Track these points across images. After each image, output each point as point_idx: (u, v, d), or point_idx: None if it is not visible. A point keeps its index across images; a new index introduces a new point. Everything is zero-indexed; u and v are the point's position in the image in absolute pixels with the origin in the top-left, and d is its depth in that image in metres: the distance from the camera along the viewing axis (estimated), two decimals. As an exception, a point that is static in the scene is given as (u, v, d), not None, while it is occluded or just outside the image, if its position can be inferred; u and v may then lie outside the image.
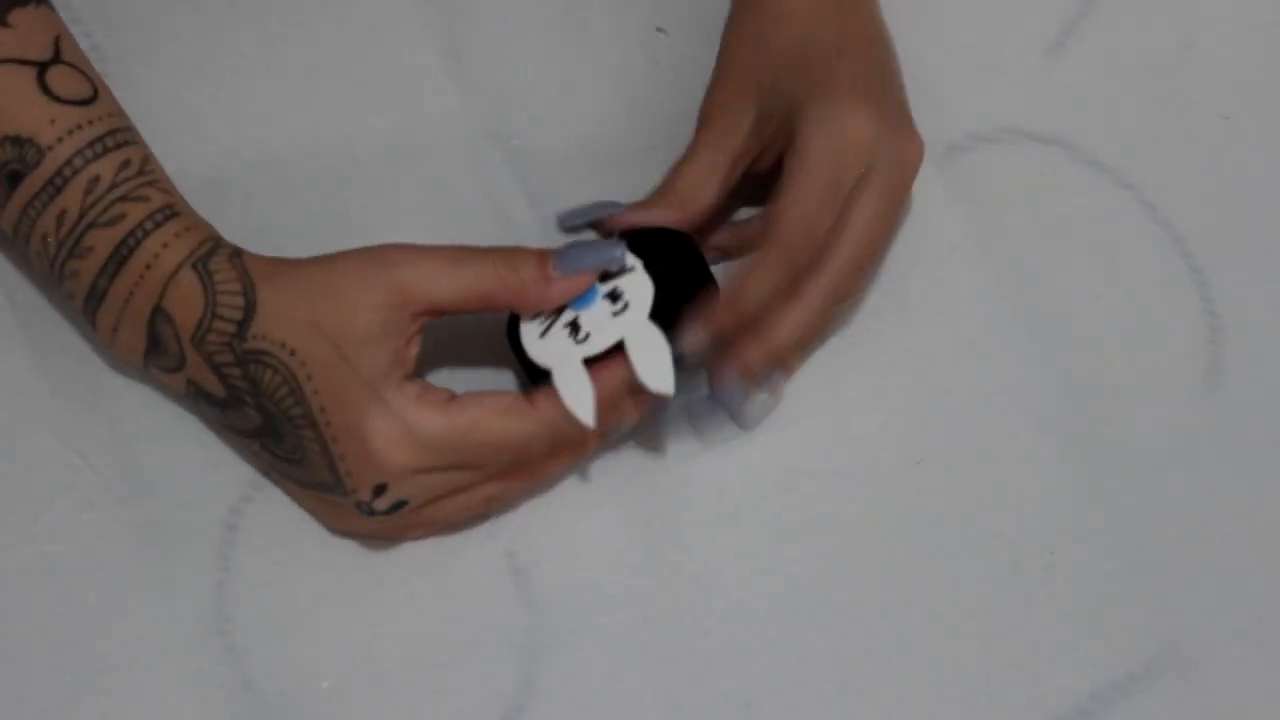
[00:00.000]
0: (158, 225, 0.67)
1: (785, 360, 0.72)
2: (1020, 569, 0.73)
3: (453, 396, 0.67)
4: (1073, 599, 0.73)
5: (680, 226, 0.72)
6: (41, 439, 0.72)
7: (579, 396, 0.67)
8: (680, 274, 0.70)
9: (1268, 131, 0.81)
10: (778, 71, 0.72)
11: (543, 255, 0.68)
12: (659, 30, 0.81)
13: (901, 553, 0.73)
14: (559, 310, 0.68)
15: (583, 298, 0.68)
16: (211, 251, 0.67)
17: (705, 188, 0.72)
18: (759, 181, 0.74)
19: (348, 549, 0.71)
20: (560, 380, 0.67)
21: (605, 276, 0.69)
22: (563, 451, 0.70)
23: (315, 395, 0.66)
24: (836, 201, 0.70)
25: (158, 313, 0.67)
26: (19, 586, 0.70)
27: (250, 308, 0.66)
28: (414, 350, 0.67)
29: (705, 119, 0.73)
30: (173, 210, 0.68)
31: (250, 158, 0.77)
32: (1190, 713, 0.71)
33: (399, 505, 0.67)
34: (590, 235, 0.72)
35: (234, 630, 0.70)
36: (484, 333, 0.72)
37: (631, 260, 0.69)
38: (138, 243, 0.67)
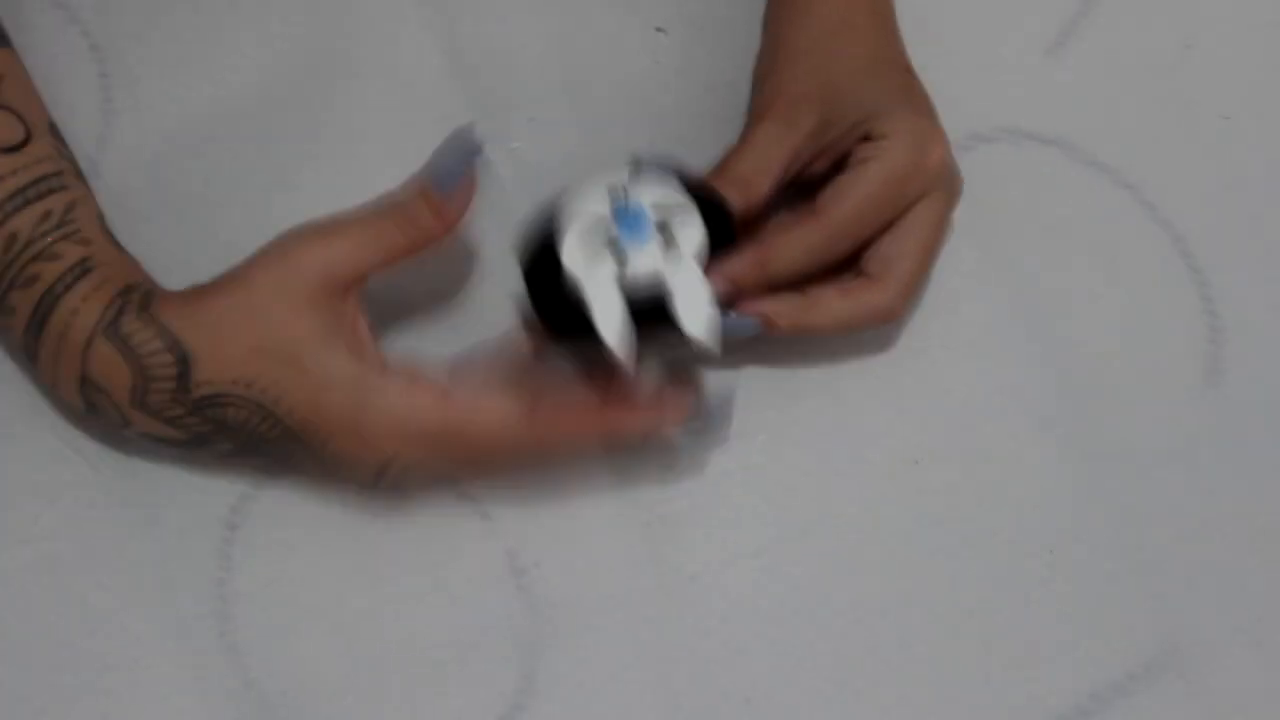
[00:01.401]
0: (68, 287, 0.66)
1: (800, 333, 0.72)
2: (1020, 569, 0.73)
3: (446, 389, 0.66)
4: (1073, 599, 0.73)
5: (733, 211, 0.71)
6: (41, 439, 0.72)
7: (613, 327, 0.65)
8: (717, 236, 0.69)
9: (1268, 131, 0.81)
10: (851, 78, 0.73)
11: (427, 193, 0.66)
12: (659, 30, 0.81)
13: (901, 553, 0.73)
14: (602, 220, 0.66)
15: (636, 230, 0.66)
16: (120, 312, 0.65)
17: (762, 177, 0.71)
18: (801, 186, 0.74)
19: (348, 549, 0.71)
20: (594, 298, 0.65)
21: (658, 207, 0.67)
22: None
23: (291, 414, 0.65)
24: (895, 206, 0.71)
25: (85, 383, 0.66)
26: (19, 586, 0.70)
27: (184, 361, 0.65)
28: (363, 325, 0.66)
29: (765, 112, 0.73)
30: (85, 266, 0.66)
31: (249, 158, 0.77)
32: (1190, 713, 0.71)
33: (402, 476, 0.67)
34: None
35: (234, 630, 0.70)
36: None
37: (685, 199, 0.67)
38: (52, 306, 0.66)
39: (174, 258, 0.74)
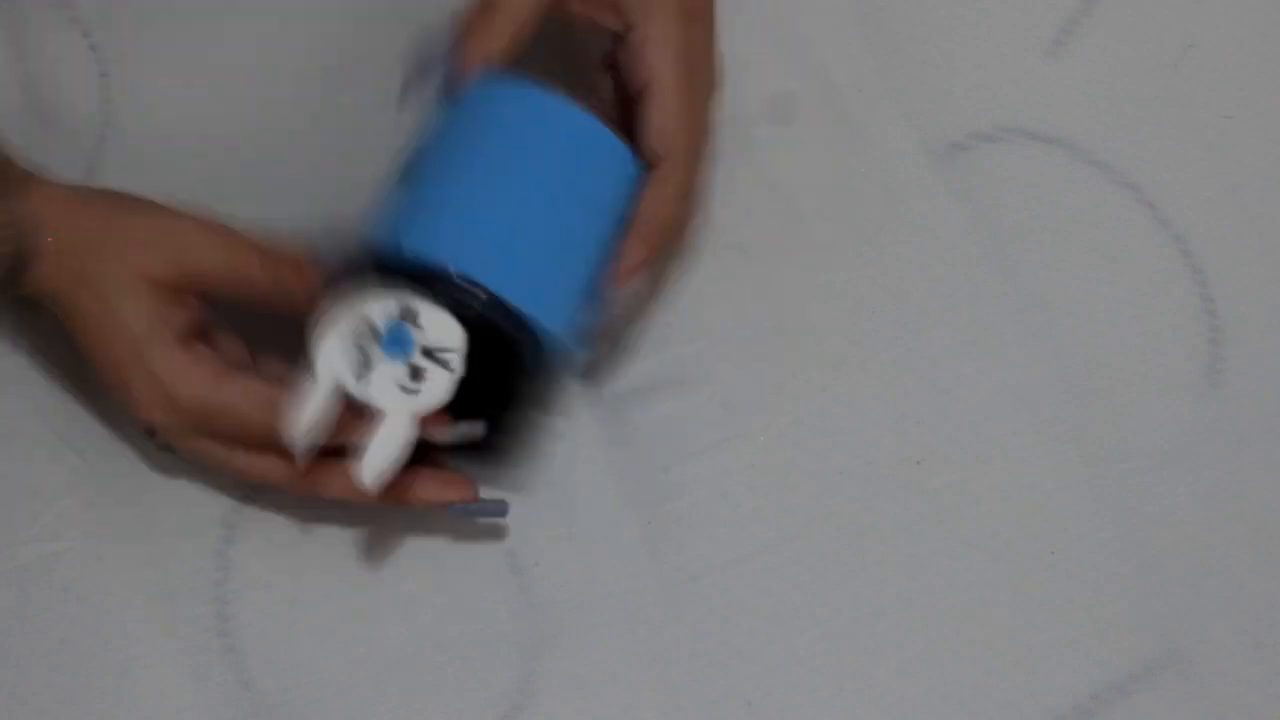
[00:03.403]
0: None
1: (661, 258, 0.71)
2: (1021, 569, 0.73)
3: (223, 370, 0.67)
4: (1073, 599, 0.73)
5: (516, 42, 0.70)
6: (41, 439, 0.72)
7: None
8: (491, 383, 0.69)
9: (1269, 131, 0.81)
10: None
11: (302, 259, 0.68)
12: None
13: (901, 553, 0.73)
14: (375, 332, 0.67)
15: (398, 341, 0.67)
16: None
17: (516, 30, 0.70)
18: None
19: (347, 549, 0.71)
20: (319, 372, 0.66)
21: (427, 352, 0.67)
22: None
23: (85, 348, 0.67)
24: (705, 106, 0.71)
25: None
26: (19, 586, 0.70)
27: (21, 259, 0.66)
28: (184, 317, 0.67)
29: None
30: None
31: (249, 157, 0.77)
32: (1190, 713, 0.71)
33: (168, 448, 0.69)
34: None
35: (234, 630, 0.70)
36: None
37: (458, 364, 0.67)
38: None
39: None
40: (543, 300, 0.68)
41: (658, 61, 0.70)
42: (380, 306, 0.67)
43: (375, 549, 0.71)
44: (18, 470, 0.72)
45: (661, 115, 0.70)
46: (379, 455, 0.66)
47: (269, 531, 0.71)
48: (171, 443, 0.68)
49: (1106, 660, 0.72)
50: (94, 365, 0.67)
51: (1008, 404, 0.76)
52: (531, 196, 0.69)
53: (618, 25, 0.70)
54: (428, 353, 0.67)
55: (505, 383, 0.69)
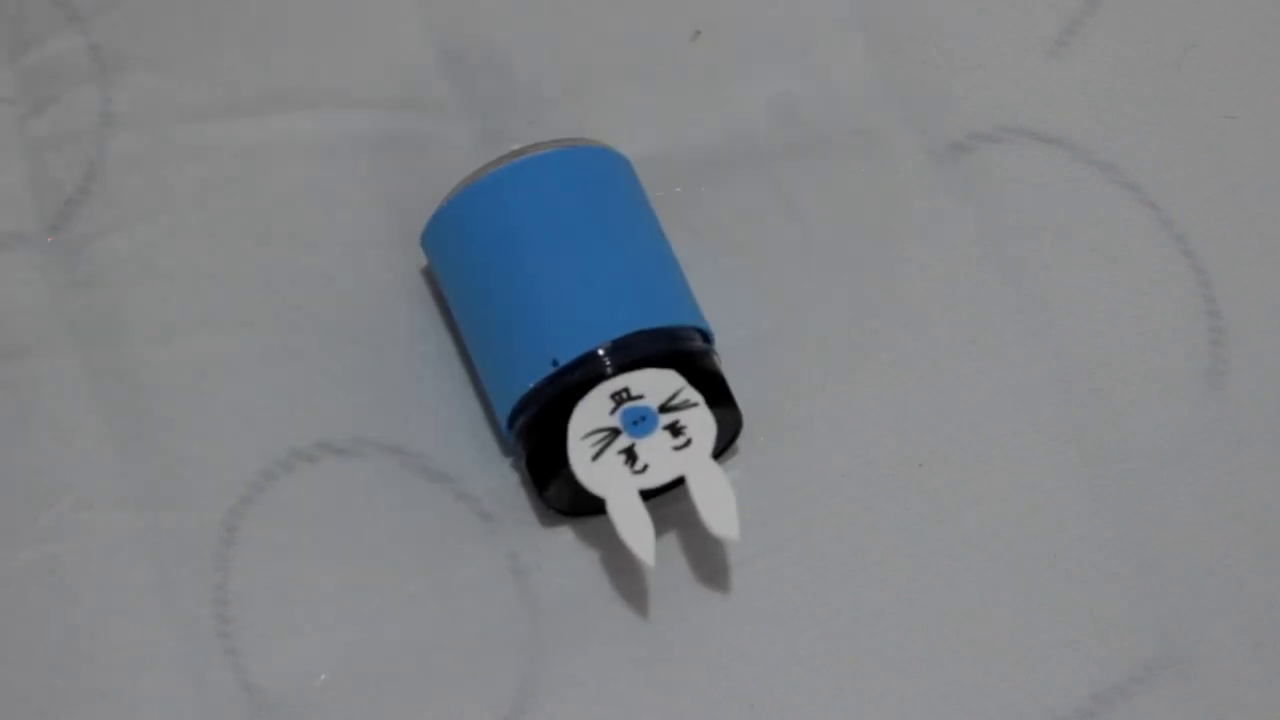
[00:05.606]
0: None
1: None
2: (1020, 569, 0.73)
3: None
4: (1073, 599, 0.73)
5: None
6: (41, 439, 0.72)
7: (637, 531, 0.67)
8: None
9: (1271, 131, 0.81)
10: None
11: None
12: (697, 33, 0.81)
13: (902, 553, 0.73)
14: (613, 432, 0.68)
15: (641, 425, 0.68)
16: None
17: None
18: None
19: (348, 551, 0.71)
20: (616, 512, 0.67)
21: (666, 408, 0.68)
22: None
23: None
24: None
25: None
26: (19, 586, 0.70)
27: None
28: None
29: None
30: None
31: (248, 157, 0.77)
32: (1190, 713, 0.71)
33: None
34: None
35: (233, 632, 0.70)
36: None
37: (695, 396, 0.68)
38: None
39: (173, 259, 0.74)
40: (672, 306, 0.69)
41: None
42: (594, 414, 0.67)
43: (375, 551, 0.71)
44: (17, 470, 0.72)
45: None
46: (718, 504, 0.67)
47: (269, 532, 0.71)
48: None
49: (1106, 660, 0.72)
50: None
51: (1008, 404, 0.75)
52: (573, 242, 0.69)
53: None
54: (667, 407, 0.67)
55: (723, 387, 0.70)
